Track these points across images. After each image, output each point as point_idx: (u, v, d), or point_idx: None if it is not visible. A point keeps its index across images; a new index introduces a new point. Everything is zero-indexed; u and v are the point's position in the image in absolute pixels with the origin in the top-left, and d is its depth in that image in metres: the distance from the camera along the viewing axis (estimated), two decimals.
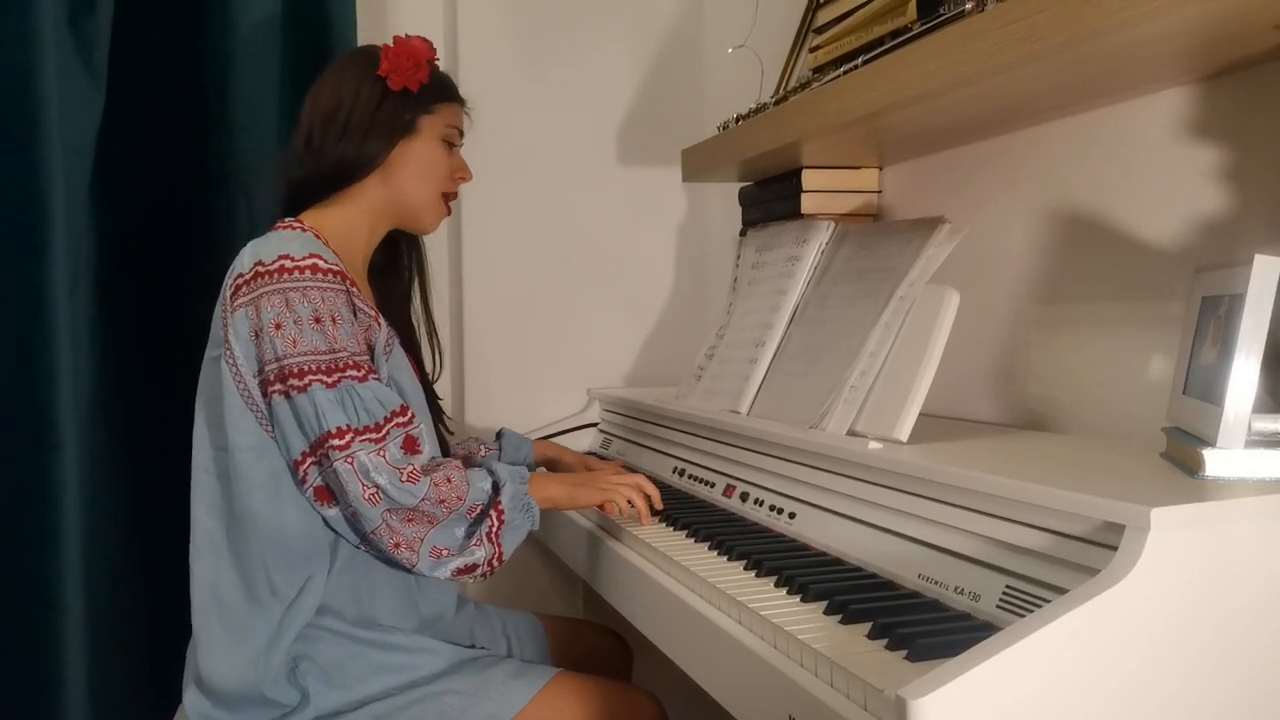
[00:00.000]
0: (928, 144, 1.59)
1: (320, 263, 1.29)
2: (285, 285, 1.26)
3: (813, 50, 1.59)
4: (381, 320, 1.38)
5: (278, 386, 1.25)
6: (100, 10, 1.77)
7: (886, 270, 1.36)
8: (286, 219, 1.37)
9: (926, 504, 1.07)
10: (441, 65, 1.48)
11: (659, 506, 1.46)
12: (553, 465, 1.76)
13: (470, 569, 1.30)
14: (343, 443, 1.24)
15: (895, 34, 1.33)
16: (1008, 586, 0.93)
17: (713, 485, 1.55)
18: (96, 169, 1.78)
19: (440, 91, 1.45)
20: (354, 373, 1.27)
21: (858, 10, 1.45)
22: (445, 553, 1.28)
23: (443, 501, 1.27)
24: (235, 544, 1.29)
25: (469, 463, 1.40)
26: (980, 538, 0.99)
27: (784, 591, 1.09)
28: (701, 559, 1.24)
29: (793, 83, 1.69)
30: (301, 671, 1.28)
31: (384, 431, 1.27)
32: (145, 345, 1.86)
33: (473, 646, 1.44)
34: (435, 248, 1.73)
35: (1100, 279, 1.33)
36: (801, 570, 1.13)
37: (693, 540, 1.33)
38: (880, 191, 1.77)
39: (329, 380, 1.25)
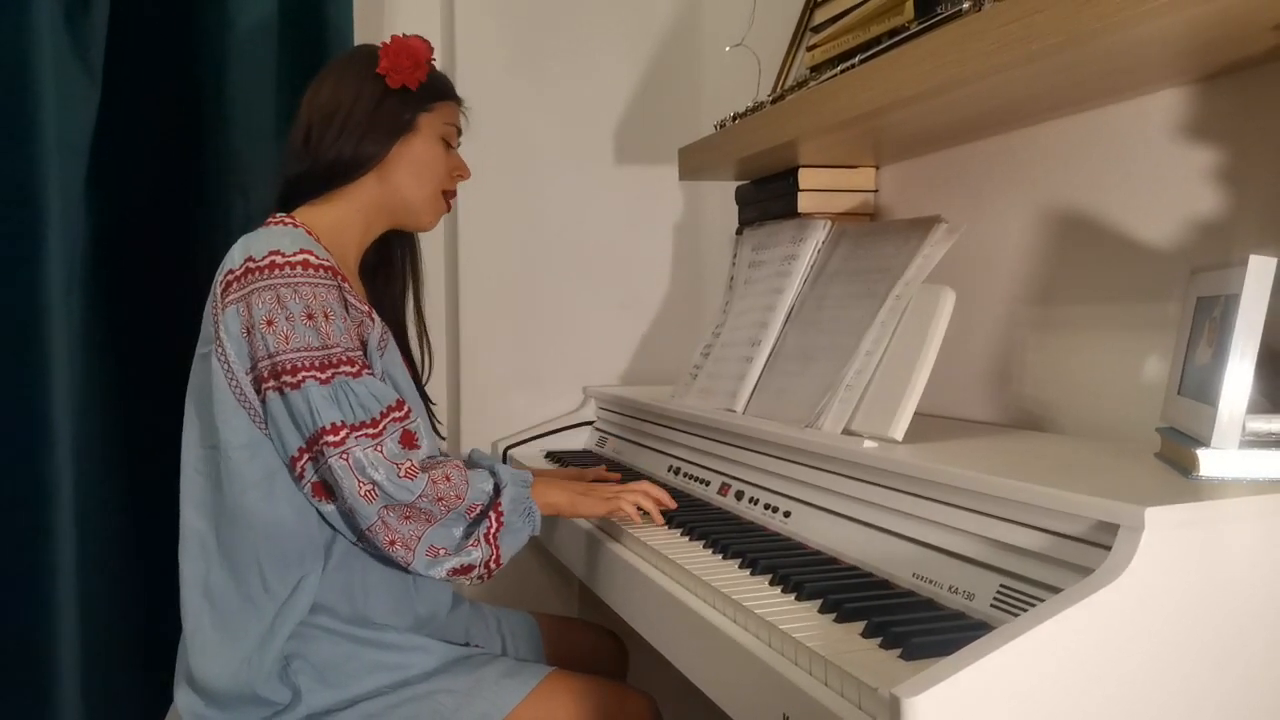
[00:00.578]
0: (925, 144, 1.60)
1: (311, 258, 1.28)
2: (276, 281, 1.26)
3: (810, 49, 1.59)
4: (375, 317, 1.38)
5: (271, 383, 1.25)
6: (96, 9, 1.76)
7: (883, 270, 1.36)
8: (279, 214, 1.37)
9: (921, 503, 1.07)
10: (438, 66, 1.48)
11: (671, 505, 1.44)
12: None
13: (466, 570, 1.29)
14: (338, 439, 1.23)
15: (892, 33, 1.33)
16: (1002, 586, 0.93)
17: (708, 484, 1.55)
18: (92, 168, 1.78)
19: (439, 90, 1.45)
20: (348, 368, 1.27)
21: (855, 9, 1.45)
22: (441, 552, 1.28)
23: (441, 499, 1.27)
24: (226, 543, 1.29)
25: (471, 464, 1.40)
26: (975, 537, 0.99)
27: (779, 590, 1.09)
28: (697, 557, 1.24)
29: (790, 81, 1.69)
30: (293, 670, 1.27)
31: (380, 427, 1.26)
32: (140, 344, 1.86)
33: (467, 645, 1.44)
34: (431, 247, 1.73)
35: (1096, 279, 1.33)
36: (796, 569, 1.13)
37: (688, 539, 1.33)
38: (877, 191, 1.77)
39: (323, 376, 1.25)
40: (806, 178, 1.73)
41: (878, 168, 1.77)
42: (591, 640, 1.66)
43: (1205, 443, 0.91)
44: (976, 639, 0.74)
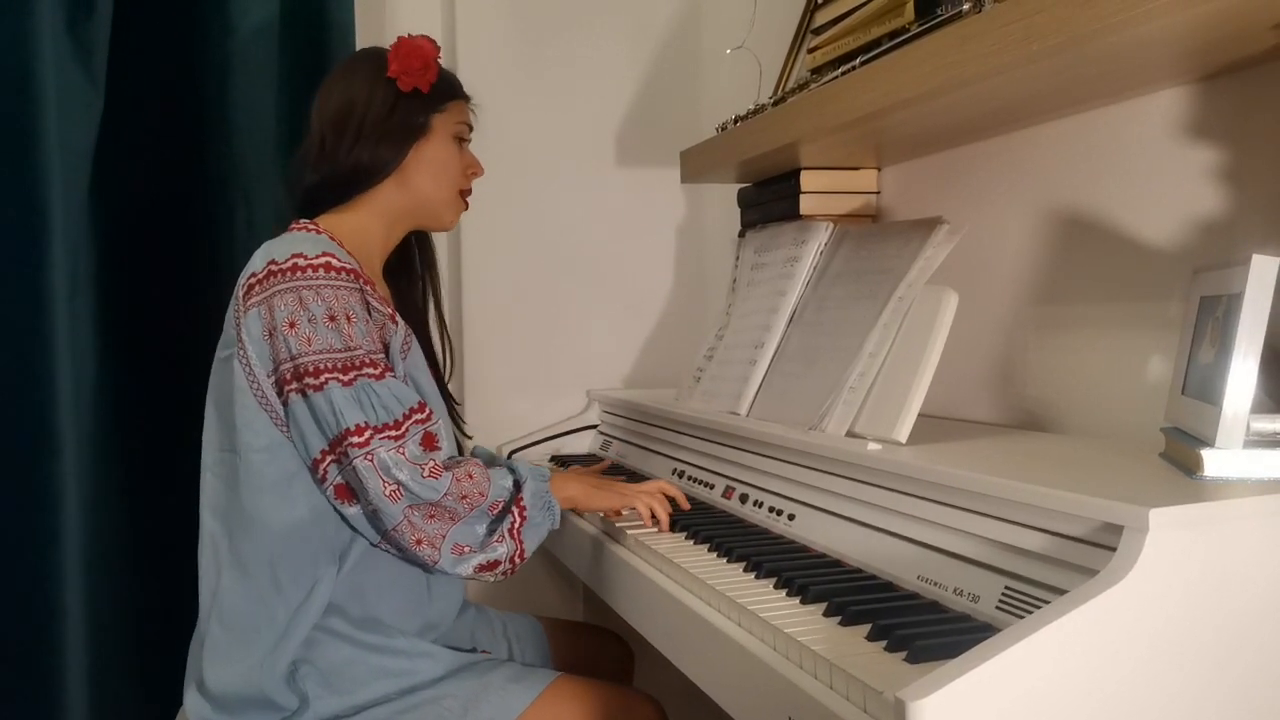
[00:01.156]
0: (926, 145, 1.59)
1: (333, 261, 1.29)
2: (298, 283, 1.26)
3: (811, 51, 1.59)
4: (398, 320, 1.38)
5: (294, 385, 1.25)
6: (99, 14, 1.77)
7: (885, 271, 1.36)
8: (302, 220, 1.37)
9: (926, 505, 1.07)
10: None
11: (685, 506, 1.45)
12: None
13: (492, 565, 1.30)
14: (362, 440, 1.24)
15: (893, 35, 1.33)
16: (1007, 588, 0.93)
17: (712, 487, 1.55)
18: (95, 172, 1.79)
19: (449, 89, 1.45)
20: (370, 370, 1.27)
21: (856, 11, 1.45)
22: (467, 549, 1.28)
23: (465, 497, 1.27)
24: (238, 546, 1.29)
25: (488, 462, 1.40)
26: (979, 539, 0.99)
27: (784, 593, 1.09)
28: (701, 561, 1.24)
29: (791, 84, 1.69)
30: (301, 675, 1.27)
31: (403, 429, 1.27)
32: (144, 349, 1.87)
33: (473, 649, 1.44)
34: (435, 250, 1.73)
35: (1099, 279, 1.33)
36: (801, 572, 1.13)
37: (692, 542, 1.33)
38: (879, 192, 1.77)
39: (345, 379, 1.25)
40: (808, 180, 1.73)
41: (879, 169, 1.77)
42: (597, 644, 1.66)
43: (1209, 443, 0.91)
44: (982, 641, 0.74)
